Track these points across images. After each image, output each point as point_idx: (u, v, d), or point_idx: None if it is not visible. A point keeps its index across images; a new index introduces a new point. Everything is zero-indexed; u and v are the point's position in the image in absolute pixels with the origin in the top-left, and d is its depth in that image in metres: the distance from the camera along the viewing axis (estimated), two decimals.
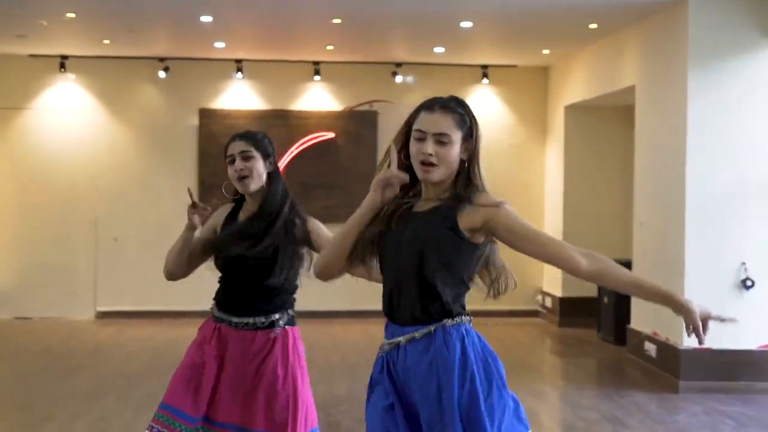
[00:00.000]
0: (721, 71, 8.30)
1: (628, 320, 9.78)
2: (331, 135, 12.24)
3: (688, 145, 8.29)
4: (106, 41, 10.94)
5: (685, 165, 8.31)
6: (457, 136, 3.03)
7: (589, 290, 11.36)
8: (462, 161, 3.06)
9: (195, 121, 12.31)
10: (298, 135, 12.32)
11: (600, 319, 11.01)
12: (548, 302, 12.31)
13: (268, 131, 12.73)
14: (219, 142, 11.57)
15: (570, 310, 11.82)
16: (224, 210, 4.27)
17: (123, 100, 12.36)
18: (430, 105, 3.07)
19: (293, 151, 12.23)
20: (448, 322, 2.96)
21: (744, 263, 8.21)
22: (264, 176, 4.13)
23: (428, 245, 2.96)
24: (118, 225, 12.31)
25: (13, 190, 12.29)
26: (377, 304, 3.15)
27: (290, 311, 4.10)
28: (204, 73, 12.31)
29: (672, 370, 8.40)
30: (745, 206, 8.27)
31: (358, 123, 12.44)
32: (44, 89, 12.29)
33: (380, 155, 12.02)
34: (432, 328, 2.95)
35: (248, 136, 4.19)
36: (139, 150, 12.39)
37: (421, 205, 3.09)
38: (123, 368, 9.23)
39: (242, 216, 4.17)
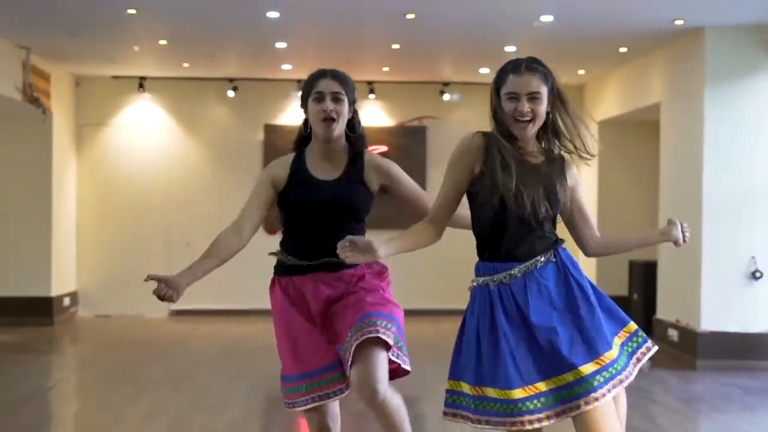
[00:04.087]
0: (733, 91, 9.87)
1: (655, 313, 11.36)
2: (384, 148, 13.87)
3: (704, 156, 9.87)
4: (186, 64, 12.67)
5: (702, 173, 9.89)
6: (544, 92, 3.58)
7: (621, 289, 12.93)
8: (547, 113, 3.62)
9: (260, 136, 14.00)
10: None
11: (630, 315, 12.50)
12: None
13: None
14: (282, 155, 13.23)
15: None
16: (280, 165, 4.19)
17: (195, 117, 14.10)
18: (516, 67, 3.59)
19: None
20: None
21: (754, 257, 9.78)
22: (346, 122, 4.10)
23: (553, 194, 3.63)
24: (190, 231, 13.97)
25: (95, 199, 14.05)
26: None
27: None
28: (269, 92, 14.01)
29: (691, 351, 9.96)
30: (755, 208, 9.86)
31: (408, 138, 14.13)
32: (124, 107, 14.07)
33: (429, 167, 13.93)
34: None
35: (341, 77, 4.09)
36: (209, 163, 14.10)
37: (529, 157, 3.64)
38: (208, 351, 10.93)
39: (315, 165, 4.11)
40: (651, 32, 10.27)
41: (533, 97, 3.54)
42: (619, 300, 12.68)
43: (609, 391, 3.44)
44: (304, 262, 4.10)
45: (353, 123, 4.16)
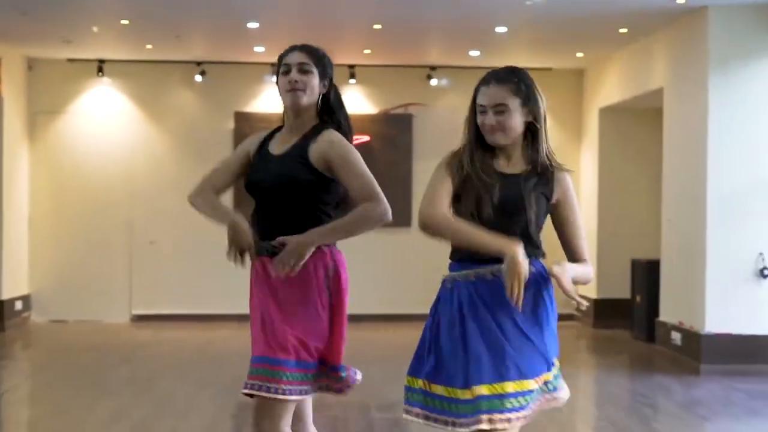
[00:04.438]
0: (739, 74, 10.34)
1: (658, 315, 11.79)
2: (365, 138, 14.26)
3: (709, 145, 10.32)
4: (149, 46, 13.06)
5: (707, 163, 10.33)
6: (514, 104, 3.94)
7: (623, 292, 13.36)
8: (530, 123, 3.99)
9: (230, 124, 14.36)
10: None
11: (633, 318, 12.98)
12: (583, 305, 14.28)
13: None
14: None
15: (604, 311, 13.81)
16: (255, 139, 4.54)
17: (159, 104, 14.48)
18: (486, 80, 3.98)
19: None
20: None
21: (761, 253, 10.25)
22: (316, 96, 4.38)
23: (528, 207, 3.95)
24: (154, 229, 14.37)
25: (50, 194, 14.41)
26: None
27: None
28: (240, 76, 14.39)
29: (695, 355, 10.39)
30: (763, 201, 10.33)
31: (393, 126, 14.53)
32: (81, 93, 14.45)
33: (416, 159, 14.28)
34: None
35: (309, 50, 4.39)
36: (174, 154, 14.47)
37: (508, 165, 4.02)
38: (172, 357, 11.32)
39: (280, 139, 4.42)
40: (652, 11, 10.71)
41: (499, 110, 3.91)
42: (621, 302, 13.26)
43: (518, 419, 3.79)
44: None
45: (329, 100, 4.41)
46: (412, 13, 11.03)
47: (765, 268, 10.20)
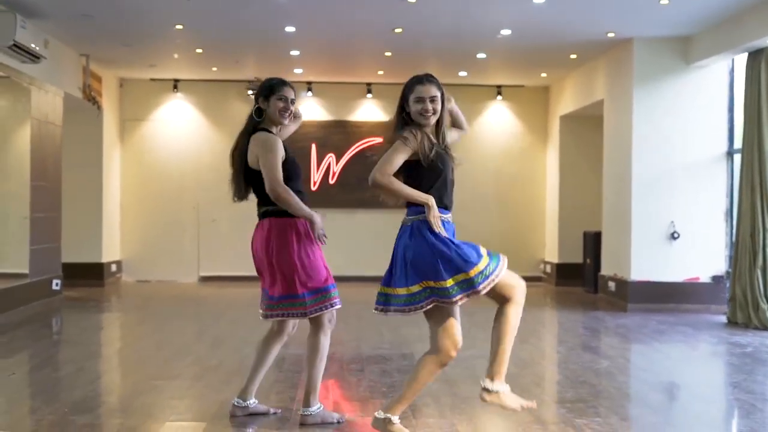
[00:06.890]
0: (655, 89, 12.02)
1: (600, 270, 13.47)
2: (379, 140, 15.84)
3: (633, 141, 12.02)
4: (214, 68, 14.77)
5: (631, 155, 12.03)
6: (439, 96, 4.83)
7: (577, 257, 15.02)
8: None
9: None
10: (353, 140, 16.12)
11: (584, 276, 14.66)
12: (548, 269, 15.98)
13: (330, 137, 16.59)
14: (294, 145, 15.17)
15: (564, 273, 15.48)
16: (280, 144, 5.59)
17: (219, 113, 16.16)
18: (421, 80, 4.87)
19: (351, 152, 16.00)
20: None
21: (672, 221, 11.95)
22: None
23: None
24: (216, 210, 16.06)
25: (136, 183, 16.16)
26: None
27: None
28: None
29: (624, 297, 12.09)
30: (672, 182, 12.02)
31: None
32: (160, 105, 16.18)
33: None
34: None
35: (294, 90, 5.63)
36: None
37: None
38: (234, 302, 13.00)
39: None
40: (593, 42, 12.37)
41: (433, 98, 4.84)
42: (576, 266, 14.96)
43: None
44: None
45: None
46: (414, 44, 12.68)
47: (674, 232, 11.91)
